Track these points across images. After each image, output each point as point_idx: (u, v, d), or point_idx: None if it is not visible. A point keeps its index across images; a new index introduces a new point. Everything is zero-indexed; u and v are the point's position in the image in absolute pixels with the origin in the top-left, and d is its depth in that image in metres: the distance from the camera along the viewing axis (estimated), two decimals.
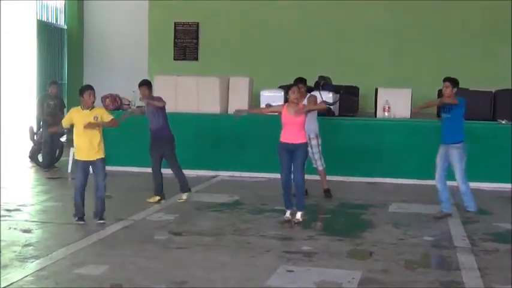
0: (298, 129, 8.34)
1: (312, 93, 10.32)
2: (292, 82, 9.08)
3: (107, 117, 8.18)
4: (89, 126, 7.99)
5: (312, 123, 9.61)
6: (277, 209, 8.82)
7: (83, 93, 8.08)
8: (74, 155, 11.76)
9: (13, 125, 16.29)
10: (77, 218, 8.14)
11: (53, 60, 17.43)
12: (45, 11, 17.32)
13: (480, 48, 15.68)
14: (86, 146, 8.06)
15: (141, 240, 7.42)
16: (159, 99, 9.53)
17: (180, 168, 9.67)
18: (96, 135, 8.07)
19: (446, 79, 8.81)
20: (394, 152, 11.69)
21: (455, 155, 8.78)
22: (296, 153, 8.32)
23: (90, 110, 8.08)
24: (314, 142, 9.88)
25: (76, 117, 8.09)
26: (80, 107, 8.16)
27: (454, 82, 8.74)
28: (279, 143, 8.43)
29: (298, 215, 8.37)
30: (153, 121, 9.51)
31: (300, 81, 9.61)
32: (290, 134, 8.33)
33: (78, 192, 8.15)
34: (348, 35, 16.25)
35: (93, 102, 8.12)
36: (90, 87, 8.17)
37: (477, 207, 9.05)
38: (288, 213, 8.44)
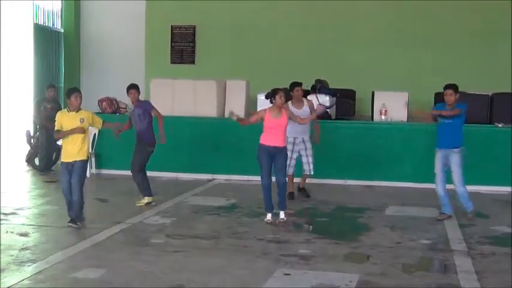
0: (281, 132, 8.40)
1: (308, 97, 10.35)
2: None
3: (97, 120, 8.33)
4: (75, 131, 8.03)
5: (306, 126, 9.66)
6: (274, 213, 8.79)
7: (70, 95, 8.14)
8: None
9: (10, 129, 16.25)
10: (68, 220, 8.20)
11: (49, 63, 17.38)
12: (42, 15, 17.30)
13: (478, 51, 15.66)
14: (70, 147, 8.11)
15: (138, 244, 7.42)
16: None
17: (140, 176, 9.50)
18: (78, 137, 8.07)
19: (449, 86, 8.54)
20: (391, 155, 11.68)
21: (455, 159, 8.74)
22: (279, 155, 8.40)
23: (76, 112, 8.12)
24: (309, 145, 9.91)
25: (63, 119, 8.12)
26: (66, 109, 8.25)
27: (456, 88, 8.53)
28: (259, 146, 8.47)
29: (282, 214, 8.46)
30: (139, 123, 9.52)
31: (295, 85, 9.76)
32: (273, 138, 8.39)
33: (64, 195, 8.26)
34: (345, 38, 16.25)
35: (80, 104, 8.13)
36: (77, 90, 8.28)
37: (473, 207, 9.02)
38: (269, 216, 8.49)
